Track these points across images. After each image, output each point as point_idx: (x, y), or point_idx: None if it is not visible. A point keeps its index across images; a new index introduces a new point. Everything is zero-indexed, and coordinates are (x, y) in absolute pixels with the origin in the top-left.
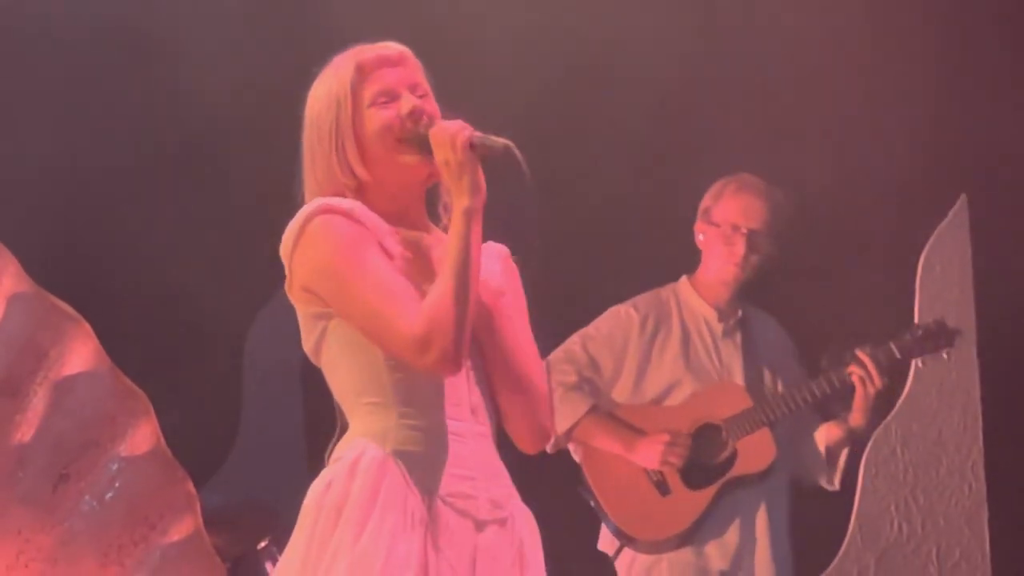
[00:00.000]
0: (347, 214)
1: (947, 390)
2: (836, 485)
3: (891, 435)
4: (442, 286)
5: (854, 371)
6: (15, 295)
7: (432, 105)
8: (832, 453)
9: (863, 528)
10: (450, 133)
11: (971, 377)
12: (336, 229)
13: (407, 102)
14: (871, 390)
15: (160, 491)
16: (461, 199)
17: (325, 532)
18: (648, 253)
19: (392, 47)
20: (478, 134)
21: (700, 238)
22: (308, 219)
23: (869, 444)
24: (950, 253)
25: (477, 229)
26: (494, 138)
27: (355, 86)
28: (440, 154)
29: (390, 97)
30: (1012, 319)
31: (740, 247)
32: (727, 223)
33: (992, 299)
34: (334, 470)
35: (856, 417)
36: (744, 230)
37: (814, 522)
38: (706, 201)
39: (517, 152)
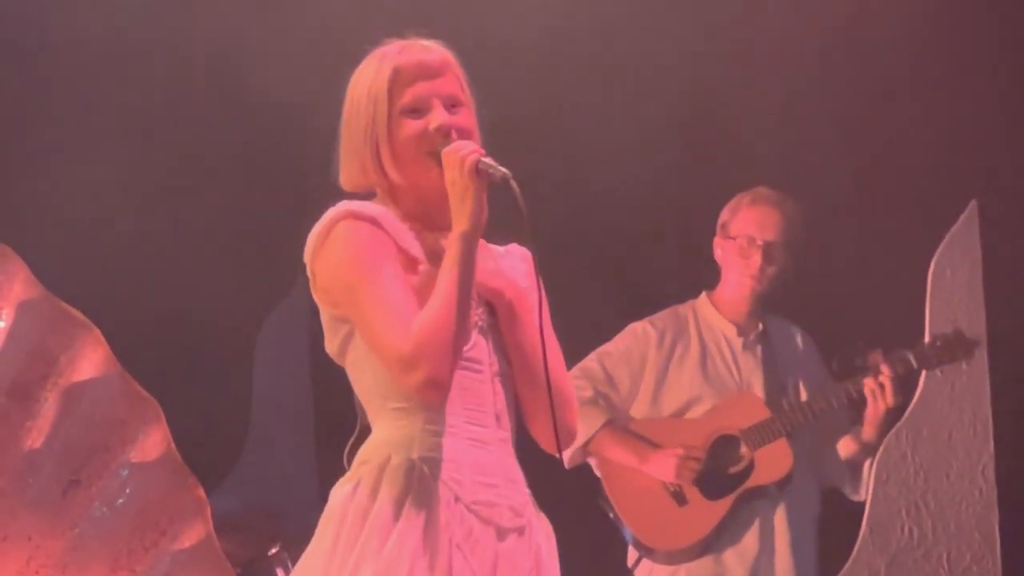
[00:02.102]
0: (372, 221)
1: (958, 394)
2: (862, 496)
3: (902, 439)
4: (432, 310)
5: (868, 384)
6: (25, 301)
7: (466, 118)
8: (853, 465)
9: (874, 532)
10: (460, 155)
11: (982, 381)
12: (358, 236)
13: (437, 116)
14: (882, 406)
15: (170, 497)
16: (460, 222)
17: (350, 537)
18: (670, 271)
19: (435, 52)
20: (486, 159)
21: (719, 253)
22: (333, 223)
23: (880, 448)
24: (961, 258)
25: (473, 254)
26: (496, 166)
27: (392, 89)
28: (448, 174)
29: (422, 109)
30: (1022, 323)
31: (756, 259)
32: (743, 236)
33: (1003, 303)
34: (359, 474)
35: (868, 431)
36: (760, 242)
37: (825, 527)
38: (724, 216)
39: (514, 184)
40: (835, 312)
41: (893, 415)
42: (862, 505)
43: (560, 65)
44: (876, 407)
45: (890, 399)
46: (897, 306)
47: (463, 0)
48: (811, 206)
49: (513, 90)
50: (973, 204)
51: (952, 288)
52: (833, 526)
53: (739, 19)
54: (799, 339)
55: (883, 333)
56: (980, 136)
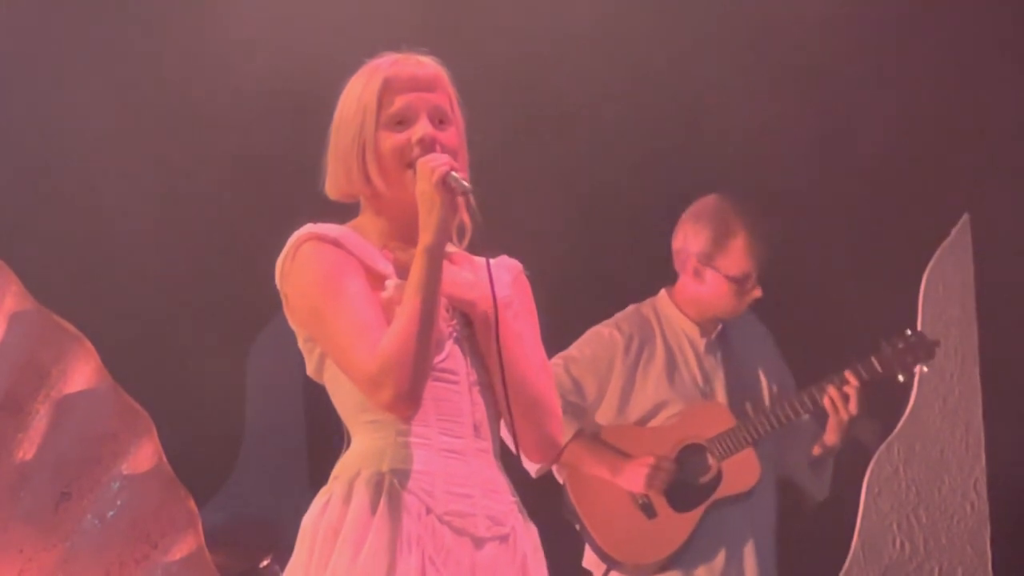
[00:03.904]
0: (335, 242)
1: (950, 409)
2: (823, 496)
3: (893, 453)
4: (397, 326)
5: (830, 392)
6: (17, 313)
7: (452, 137)
8: (816, 465)
9: (865, 546)
10: (431, 166)
11: (974, 395)
12: (320, 258)
13: (420, 129)
14: (844, 416)
15: (162, 509)
16: (426, 235)
17: (324, 551)
18: (625, 268)
19: (428, 68)
20: (455, 173)
21: (696, 275)
22: (297, 245)
23: (872, 462)
24: (953, 272)
25: (437, 267)
26: (461, 181)
27: (381, 99)
28: (419, 184)
29: (408, 121)
30: (1014, 337)
31: (758, 291)
32: (741, 273)
33: (994, 317)
34: (331, 488)
35: (830, 436)
36: (754, 276)
37: (816, 540)
38: (702, 243)
39: (471, 202)
40: (827, 327)
41: (856, 423)
42: (853, 517)
43: (532, 69)
44: (839, 417)
45: (854, 408)
46: (889, 320)
47: (451, 8)
48: (803, 220)
49: (485, 96)
50: (965, 218)
51: (944, 302)
52: (824, 539)
53: (726, 28)
54: (754, 326)
55: (875, 347)
56: (972, 149)
